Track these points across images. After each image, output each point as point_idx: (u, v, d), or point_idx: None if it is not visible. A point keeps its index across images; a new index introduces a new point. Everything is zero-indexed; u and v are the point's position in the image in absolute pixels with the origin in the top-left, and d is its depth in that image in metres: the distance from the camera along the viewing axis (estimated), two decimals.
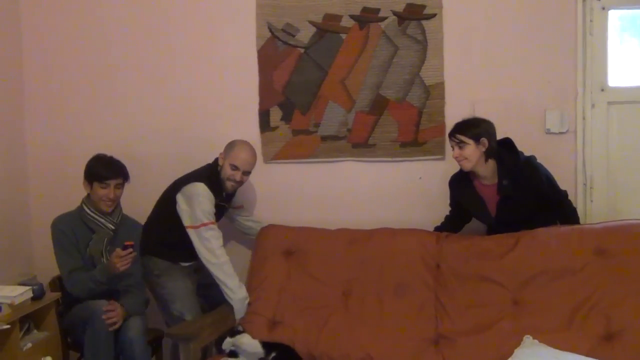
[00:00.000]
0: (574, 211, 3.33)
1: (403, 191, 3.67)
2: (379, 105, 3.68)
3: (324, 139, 3.75)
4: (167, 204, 3.48)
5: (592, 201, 3.54)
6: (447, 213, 3.50)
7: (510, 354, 2.86)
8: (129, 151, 3.67)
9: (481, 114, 3.53)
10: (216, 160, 3.54)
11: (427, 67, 3.62)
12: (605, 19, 3.51)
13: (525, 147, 3.49)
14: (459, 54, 3.61)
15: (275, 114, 3.78)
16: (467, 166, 3.20)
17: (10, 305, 3.10)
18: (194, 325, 3.25)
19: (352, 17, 3.66)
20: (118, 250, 3.26)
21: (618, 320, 2.89)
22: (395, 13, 3.62)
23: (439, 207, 3.52)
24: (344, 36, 3.68)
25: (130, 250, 3.25)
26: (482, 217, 3.35)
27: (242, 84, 3.80)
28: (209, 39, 3.84)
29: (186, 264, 3.57)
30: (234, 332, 3.12)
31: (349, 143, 3.73)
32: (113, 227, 3.47)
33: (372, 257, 3.37)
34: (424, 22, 3.60)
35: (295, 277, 3.44)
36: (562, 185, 3.32)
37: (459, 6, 3.60)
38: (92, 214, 3.42)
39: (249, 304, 3.40)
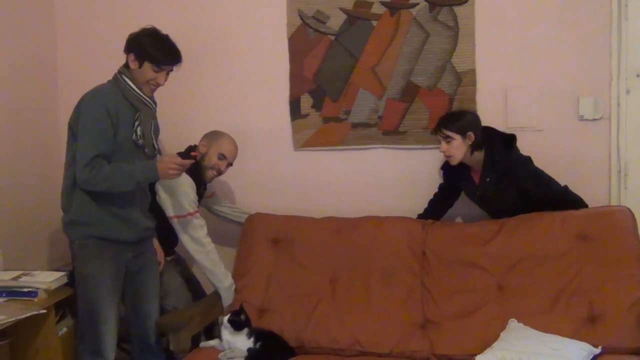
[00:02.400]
0: (578, 200, 3.30)
1: (434, 178, 3.65)
2: (409, 92, 3.66)
3: (355, 126, 3.74)
4: None
5: (626, 188, 3.50)
6: (432, 196, 3.57)
7: (496, 337, 2.95)
8: (161, 141, 3.69)
9: (513, 100, 3.54)
10: (188, 148, 3.50)
11: (458, 53, 3.59)
12: None
13: (558, 134, 3.50)
14: (490, 40, 3.58)
15: (306, 102, 3.78)
16: (454, 161, 3.30)
17: (46, 291, 3.15)
18: (184, 314, 3.25)
19: (383, 3, 3.64)
20: (176, 155, 2.99)
21: (600, 303, 2.99)
22: None
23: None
24: (374, 23, 3.66)
25: (193, 161, 3.03)
26: (473, 197, 3.44)
27: (273, 71, 3.80)
28: (240, 27, 3.84)
29: (169, 258, 3.53)
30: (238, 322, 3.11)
31: (379, 130, 3.72)
32: (156, 111, 3.13)
33: (359, 245, 3.42)
34: (455, 8, 3.57)
35: (282, 265, 3.47)
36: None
37: None
38: (136, 89, 2.99)
39: (236, 291, 3.43)
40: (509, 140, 3.28)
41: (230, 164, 3.52)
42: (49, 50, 3.98)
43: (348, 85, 3.72)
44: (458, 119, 3.29)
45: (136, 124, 2.95)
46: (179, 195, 3.31)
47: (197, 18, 3.89)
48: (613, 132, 3.49)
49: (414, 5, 3.61)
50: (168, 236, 3.39)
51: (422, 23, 3.61)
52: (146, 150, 3.00)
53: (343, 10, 3.69)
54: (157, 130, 3.13)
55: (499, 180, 3.22)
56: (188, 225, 3.33)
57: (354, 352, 3.15)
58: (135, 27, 3.89)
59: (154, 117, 3.08)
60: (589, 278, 3.05)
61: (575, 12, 3.48)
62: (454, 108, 3.59)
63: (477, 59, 3.58)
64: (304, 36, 3.75)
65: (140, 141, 2.96)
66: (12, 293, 3.06)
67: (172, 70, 3.03)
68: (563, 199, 3.26)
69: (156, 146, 3.08)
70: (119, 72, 2.99)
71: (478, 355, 2.81)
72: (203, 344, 3.23)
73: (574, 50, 3.50)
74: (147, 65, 2.95)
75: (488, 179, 3.25)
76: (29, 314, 2.84)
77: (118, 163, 2.85)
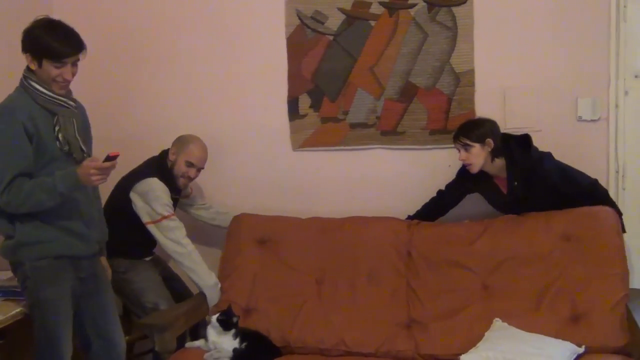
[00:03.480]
0: (605, 195, 3.29)
1: (432, 179, 3.64)
2: (408, 93, 3.65)
3: (353, 126, 3.74)
4: (120, 204, 3.40)
5: (624, 189, 3.50)
6: (429, 200, 3.54)
7: (481, 337, 2.97)
8: (157, 138, 3.69)
9: (512, 101, 3.54)
10: (163, 153, 3.54)
11: (457, 54, 3.59)
12: (639, 5, 3.44)
13: (556, 135, 3.49)
14: (489, 41, 3.57)
15: (304, 102, 3.78)
16: (474, 169, 3.26)
17: None
18: (169, 314, 3.27)
19: (381, 3, 3.63)
20: (96, 159, 2.61)
21: (583, 302, 3.01)
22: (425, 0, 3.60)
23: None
24: (373, 23, 3.66)
25: (115, 162, 2.59)
26: (500, 204, 3.40)
27: (271, 71, 3.79)
28: (238, 27, 3.83)
29: (148, 259, 3.59)
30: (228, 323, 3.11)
31: (377, 130, 3.71)
32: (76, 108, 2.81)
33: (345, 245, 3.43)
34: (454, 9, 3.56)
35: (268, 265, 3.48)
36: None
37: None
38: (46, 90, 2.67)
39: (222, 290, 3.43)
40: (525, 140, 3.26)
41: (201, 169, 3.53)
42: None
43: (346, 86, 3.71)
44: (476, 126, 3.26)
45: (56, 129, 2.68)
46: (151, 200, 3.33)
47: (195, 17, 3.88)
48: (611, 133, 3.48)
49: (413, 5, 3.60)
50: (145, 238, 3.42)
51: (420, 23, 3.61)
52: (74, 155, 2.72)
53: (341, 10, 3.68)
54: (84, 130, 2.84)
55: (528, 182, 3.20)
56: (164, 228, 3.36)
57: (340, 352, 3.17)
58: (133, 33, 3.91)
59: (77, 116, 2.78)
60: (573, 278, 3.08)
61: (574, 13, 3.48)
62: (453, 108, 3.59)
63: (475, 59, 3.58)
64: (302, 36, 3.74)
65: (66, 147, 2.70)
66: (8, 293, 3.03)
67: (78, 60, 2.68)
68: (591, 193, 3.24)
69: (84, 149, 2.78)
70: (24, 76, 2.69)
71: (463, 355, 2.84)
72: (189, 344, 3.24)
73: (572, 51, 3.49)
74: (46, 63, 2.62)
75: (516, 183, 3.22)
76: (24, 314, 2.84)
77: (39, 178, 2.61)
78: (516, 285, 3.13)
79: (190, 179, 3.53)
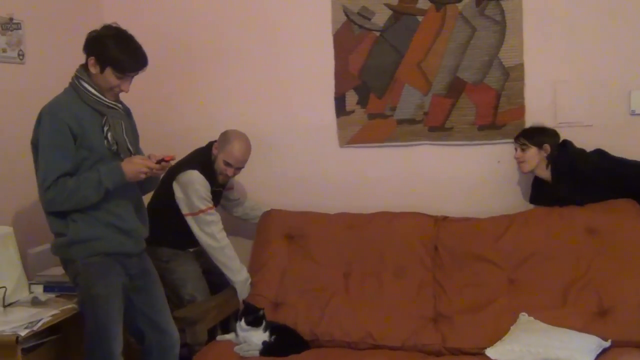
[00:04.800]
0: None
1: (481, 175, 3.62)
2: (456, 88, 3.63)
3: (400, 122, 3.72)
4: (165, 192, 3.43)
5: None
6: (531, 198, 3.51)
7: (507, 330, 3.01)
8: (204, 136, 3.70)
9: (562, 95, 3.48)
10: (209, 144, 3.55)
11: (505, 48, 3.54)
12: None
13: (609, 129, 3.43)
14: (539, 34, 3.52)
15: (351, 98, 3.77)
16: (525, 168, 3.37)
17: None
18: (200, 308, 3.34)
19: None
20: (148, 160, 2.73)
21: (610, 296, 3.02)
22: None
23: (519, 192, 3.48)
24: (420, 18, 3.63)
25: (167, 166, 2.77)
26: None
27: (318, 68, 3.80)
28: (285, 24, 3.85)
29: (192, 250, 3.62)
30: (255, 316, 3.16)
31: (425, 126, 3.69)
32: (123, 110, 2.88)
33: (372, 240, 3.46)
34: (502, 2, 3.52)
35: (296, 260, 3.52)
36: None
37: None
38: (96, 92, 2.73)
39: (252, 284, 3.48)
40: (562, 144, 3.33)
41: (240, 168, 3.54)
42: None
43: (393, 82, 3.70)
44: (539, 132, 3.36)
45: (105, 129, 2.73)
46: (190, 193, 3.37)
47: (241, 15, 3.90)
48: None
49: (460, 0, 3.57)
50: (188, 229, 3.46)
51: (468, 18, 3.57)
52: (122, 155, 2.77)
53: (388, 6, 3.66)
54: (131, 132, 2.90)
55: (573, 180, 3.25)
56: (201, 222, 3.41)
57: (367, 346, 3.20)
58: (180, 24, 3.96)
59: (124, 118, 2.84)
60: (599, 271, 3.09)
61: (626, 3, 3.40)
62: (501, 103, 3.56)
63: (525, 53, 3.53)
64: (349, 32, 3.73)
65: (114, 147, 2.75)
66: (63, 288, 3.10)
67: (136, 74, 2.78)
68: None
69: (132, 150, 2.84)
70: (76, 77, 2.75)
71: (488, 349, 2.90)
72: (220, 337, 3.30)
73: (625, 43, 3.42)
74: (109, 71, 2.69)
75: (562, 186, 3.29)
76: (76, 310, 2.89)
77: (83, 174, 2.66)
78: (542, 280, 3.15)
79: (228, 177, 3.55)
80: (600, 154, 3.27)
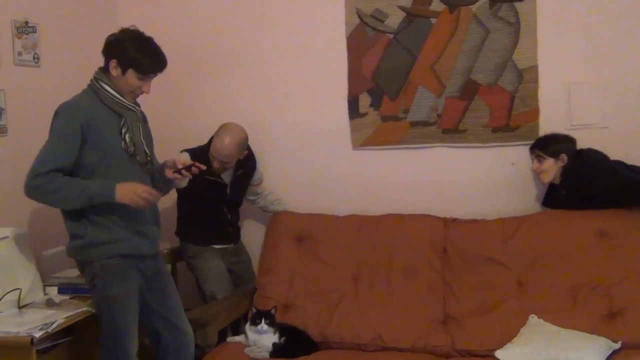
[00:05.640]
0: None
1: (495, 178, 3.60)
2: (469, 90, 3.62)
3: (414, 124, 3.71)
4: (188, 190, 3.39)
5: None
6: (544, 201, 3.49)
7: (516, 333, 3.02)
8: None
9: (577, 97, 3.46)
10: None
11: (519, 50, 3.53)
12: None
13: (624, 131, 3.42)
14: (553, 36, 3.50)
15: (365, 100, 3.77)
16: (545, 179, 3.35)
17: None
18: (210, 309, 3.38)
19: (442, 0, 3.60)
20: (151, 192, 2.72)
21: (619, 299, 3.02)
22: None
23: (533, 195, 3.46)
24: (433, 20, 3.63)
25: (195, 170, 2.84)
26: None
27: (331, 70, 3.80)
28: (298, 26, 3.85)
29: (219, 246, 3.63)
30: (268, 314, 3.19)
31: (439, 129, 3.68)
32: (140, 113, 2.90)
33: (381, 242, 3.46)
34: (516, 4, 3.51)
35: (306, 262, 3.53)
36: None
37: None
38: (116, 93, 2.75)
39: (259, 285, 3.52)
40: (579, 153, 3.31)
41: (225, 162, 3.48)
42: None
43: (407, 84, 3.69)
44: (554, 142, 3.33)
45: (123, 131, 2.75)
46: None
47: (256, 18, 3.91)
48: None
49: (474, 1, 3.56)
50: (212, 226, 3.52)
51: (482, 20, 3.56)
52: (138, 158, 2.80)
53: (402, 8, 3.66)
54: (148, 136, 2.93)
55: (580, 189, 3.23)
56: None
57: (376, 347, 3.21)
58: (195, 27, 3.98)
59: (141, 121, 2.87)
60: (608, 274, 3.09)
61: None
62: (516, 105, 3.54)
63: (539, 55, 3.52)
64: (362, 35, 3.74)
65: (131, 148, 2.77)
66: (77, 290, 3.11)
67: (155, 75, 2.82)
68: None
69: (148, 153, 2.86)
70: (96, 78, 2.77)
71: (498, 351, 2.91)
72: (230, 339, 3.33)
73: None
74: (131, 72, 2.72)
75: (564, 192, 3.29)
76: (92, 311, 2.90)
77: (76, 178, 2.67)
78: (551, 282, 3.15)
79: (224, 168, 3.53)
80: (614, 172, 3.17)
